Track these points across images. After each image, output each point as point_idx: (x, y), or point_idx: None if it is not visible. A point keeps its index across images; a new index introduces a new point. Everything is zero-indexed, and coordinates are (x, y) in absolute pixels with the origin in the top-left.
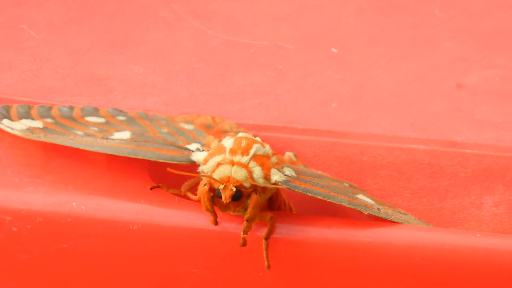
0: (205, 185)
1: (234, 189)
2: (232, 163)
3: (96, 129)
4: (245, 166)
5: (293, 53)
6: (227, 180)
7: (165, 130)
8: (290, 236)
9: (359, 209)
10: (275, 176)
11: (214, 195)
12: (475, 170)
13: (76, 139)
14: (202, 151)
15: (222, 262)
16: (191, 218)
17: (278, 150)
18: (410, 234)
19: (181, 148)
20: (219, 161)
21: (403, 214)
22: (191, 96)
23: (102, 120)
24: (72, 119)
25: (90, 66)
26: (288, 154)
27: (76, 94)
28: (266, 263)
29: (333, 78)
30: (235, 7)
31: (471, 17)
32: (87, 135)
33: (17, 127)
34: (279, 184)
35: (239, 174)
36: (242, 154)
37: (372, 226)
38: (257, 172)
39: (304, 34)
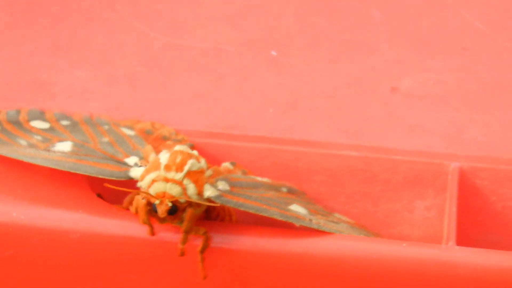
0: (142, 198)
1: (170, 204)
2: (167, 180)
3: (39, 138)
4: (179, 183)
5: (233, 56)
6: (162, 196)
7: (106, 139)
8: (223, 245)
9: (290, 221)
10: (208, 192)
11: (151, 208)
12: (406, 176)
13: (19, 150)
14: (140, 166)
15: (160, 269)
16: (130, 227)
17: (216, 157)
18: (340, 243)
19: (119, 162)
20: (154, 178)
21: (335, 223)
22: (133, 101)
23: (46, 125)
24: (18, 124)
25: (33, 71)
26: (225, 165)
27: (20, 99)
28: (202, 273)
29: (272, 82)
30: (178, 8)
31: (408, 18)
32: (30, 145)
33: None
34: (212, 199)
35: (173, 190)
36: (177, 171)
37: (303, 236)
38: (191, 188)
39: (245, 36)
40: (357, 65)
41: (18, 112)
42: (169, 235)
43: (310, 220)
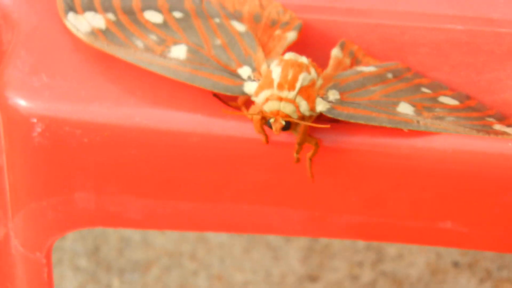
0: (258, 113)
1: (283, 122)
2: (280, 99)
3: (154, 38)
4: (292, 101)
5: None
6: (276, 114)
7: (218, 41)
8: (335, 144)
9: (399, 126)
10: (320, 106)
11: (266, 122)
12: (510, 47)
13: (137, 54)
14: (253, 80)
15: (276, 167)
16: (247, 129)
17: (323, 32)
18: (446, 142)
19: (233, 74)
20: (268, 97)
21: (441, 119)
22: None
23: (160, 19)
24: (132, 14)
25: None
26: (334, 54)
27: None
28: (310, 174)
29: None
30: None
31: None
32: (147, 48)
33: (82, 27)
34: (324, 113)
35: (287, 109)
36: (289, 89)
37: (411, 136)
38: (303, 105)
39: None
40: None
41: None
42: (283, 137)
43: (418, 122)
